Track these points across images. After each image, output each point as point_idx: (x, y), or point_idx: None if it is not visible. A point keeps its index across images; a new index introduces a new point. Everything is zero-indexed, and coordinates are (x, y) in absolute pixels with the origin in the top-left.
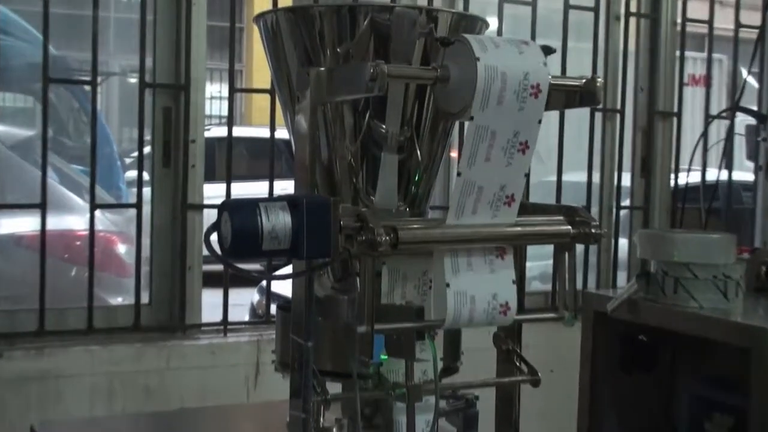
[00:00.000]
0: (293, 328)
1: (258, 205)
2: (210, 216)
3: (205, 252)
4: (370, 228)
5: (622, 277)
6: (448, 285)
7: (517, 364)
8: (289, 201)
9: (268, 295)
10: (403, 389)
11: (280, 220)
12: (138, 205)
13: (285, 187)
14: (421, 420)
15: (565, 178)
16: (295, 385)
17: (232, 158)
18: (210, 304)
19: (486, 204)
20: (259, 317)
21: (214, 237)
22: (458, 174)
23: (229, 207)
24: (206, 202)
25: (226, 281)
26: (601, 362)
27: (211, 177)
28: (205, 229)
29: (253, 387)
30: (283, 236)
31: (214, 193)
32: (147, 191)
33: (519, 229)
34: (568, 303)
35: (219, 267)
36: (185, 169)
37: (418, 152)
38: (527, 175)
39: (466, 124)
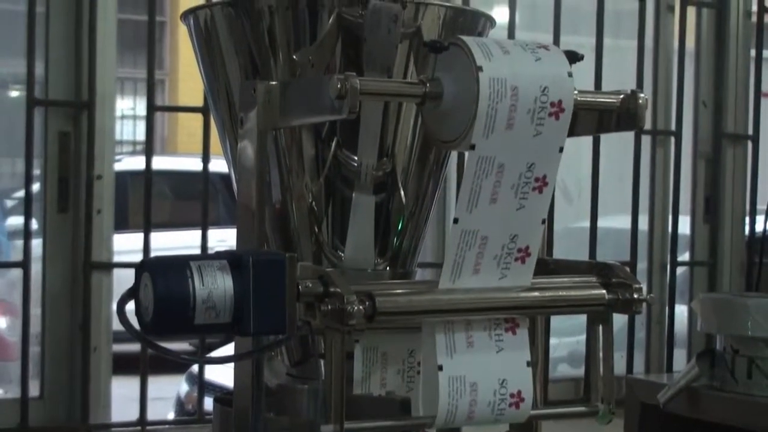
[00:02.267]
0: (236, 428)
1: (189, 265)
2: (122, 279)
3: (116, 327)
4: (338, 294)
5: (679, 358)
6: (440, 368)
7: None
8: (230, 259)
9: (201, 385)
10: None
11: (218, 285)
12: (24, 264)
13: (223, 238)
14: None
15: (601, 224)
16: None
17: (151, 200)
18: (122, 396)
19: (492, 260)
20: (188, 414)
21: (130, 307)
22: (455, 221)
23: (151, 267)
24: (117, 259)
25: (144, 366)
26: None
27: (123, 225)
28: (118, 297)
29: None
30: (222, 306)
31: (126, 246)
32: (37, 244)
33: (536, 294)
34: (604, 392)
35: (135, 347)
36: (88, 214)
37: (402, 193)
38: (546, 221)
39: (466, 154)
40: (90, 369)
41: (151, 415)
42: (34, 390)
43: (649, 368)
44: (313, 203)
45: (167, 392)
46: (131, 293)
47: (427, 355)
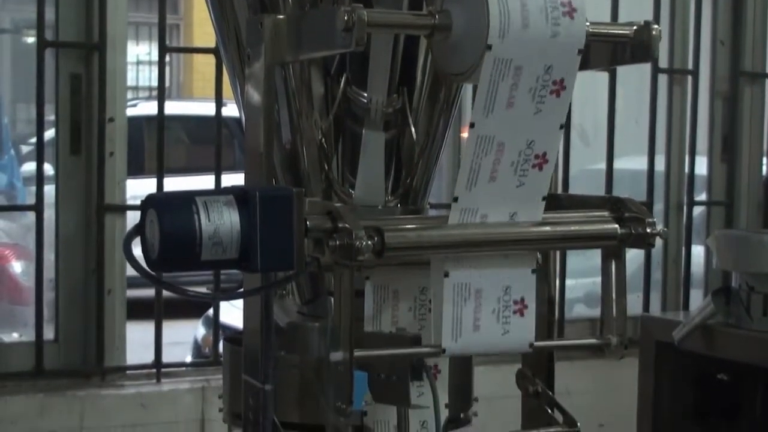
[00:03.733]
0: (246, 367)
1: (194, 201)
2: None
3: (130, 271)
4: (347, 229)
5: (696, 298)
6: (446, 275)
7: (549, 411)
8: (237, 194)
9: (216, 326)
10: None
11: (224, 220)
12: (38, 208)
13: (238, 182)
14: None
15: (617, 165)
16: None
17: (164, 144)
18: (137, 342)
19: (508, 167)
20: (205, 357)
21: (137, 247)
22: (471, 126)
23: (156, 203)
24: (131, 202)
25: (158, 308)
26: (666, 409)
27: (136, 170)
28: (126, 232)
29: None
30: (229, 242)
31: (140, 191)
32: (50, 189)
33: (548, 228)
34: (616, 326)
35: (149, 292)
36: (101, 158)
37: (412, 129)
38: (561, 161)
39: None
40: (105, 312)
41: (167, 357)
42: (48, 333)
43: (666, 308)
44: (323, 141)
45: (184, 337)
46: (137, 230)
47: (438, 292)
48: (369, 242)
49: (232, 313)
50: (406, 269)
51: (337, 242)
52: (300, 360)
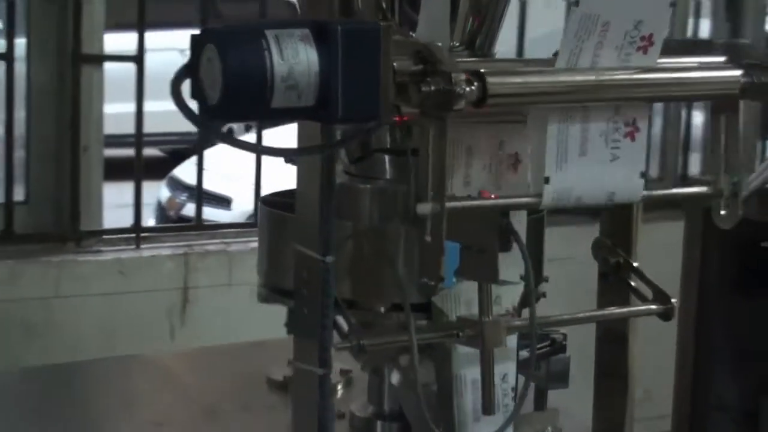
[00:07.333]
0: (299, 234)
1: (264, 34)
2: (114, 78)
3: (108, 127)
4: (443, 72)
5: None
6: (547, 180)
7: (631, 284)
8: (314, 28)
9: (199, 191)
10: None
11: (300, 59)
12: (8, 57)
13: None
14: (474, 374)
15: None
16: (305, 324)
17: None
18: (110, 205)
19: (612, 50)
20: (170, 220)
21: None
22: (575, 3)
23: (218, 37)
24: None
25: (139, 166)
26: (710, 280)
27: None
28: (109, 96)
29: (179, 322)
30: (306, 86)
31: (118, 46)
32: (20, 40)
33: (662, 75)
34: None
35: (119, 152)
36: (77, 3)
37: None
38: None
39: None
40: (80, 171)
41: (127, 222)
42: (19, 194)
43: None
44: None
45: (145, 198)
46: (187, 70)
47: (538, 143)
48: (471, 88)
49: (191, 172)
50: (480, 124)
51: (431, 87)
52: (354, 228)
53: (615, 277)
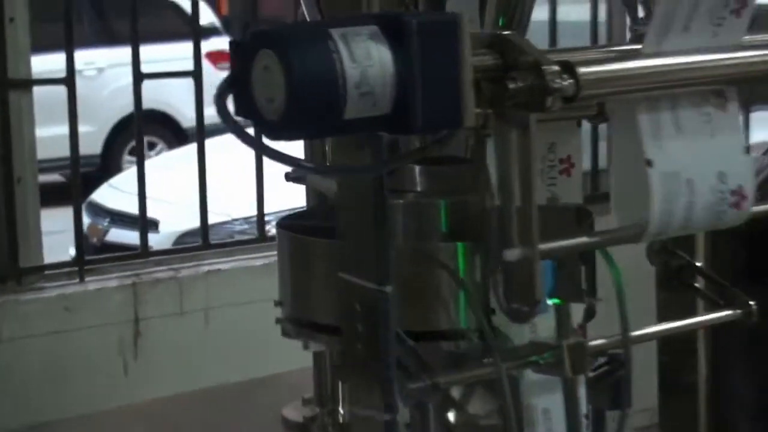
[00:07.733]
0: (344, 262)
1: (330, 34)
2: (43, 101)
3: (41, 154)
4: (533, 64)
5: None
6: (649, 163)
7: (698, 287)
8: (383, 23)
9: (143, 216)
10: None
11: (373, 61)
12: None
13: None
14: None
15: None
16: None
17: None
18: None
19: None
20: (97, 249)
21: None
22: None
23: (275, 39)
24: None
25: (76, 194)
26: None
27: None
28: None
29: (132, 357)
30: (382, 91)
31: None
32: None
33: (749, 54)
34: None
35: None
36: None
37: None
38: None
39: None
40: (15, 204)
41: (53, 251)
42: None
43: None
44: None
45: (63, 225)
46: (232, 80)
47: (622, 144)
48: (567, 82)
49: (117, 197)
50: None
51: (519, 84)
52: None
53: (677, 282)
